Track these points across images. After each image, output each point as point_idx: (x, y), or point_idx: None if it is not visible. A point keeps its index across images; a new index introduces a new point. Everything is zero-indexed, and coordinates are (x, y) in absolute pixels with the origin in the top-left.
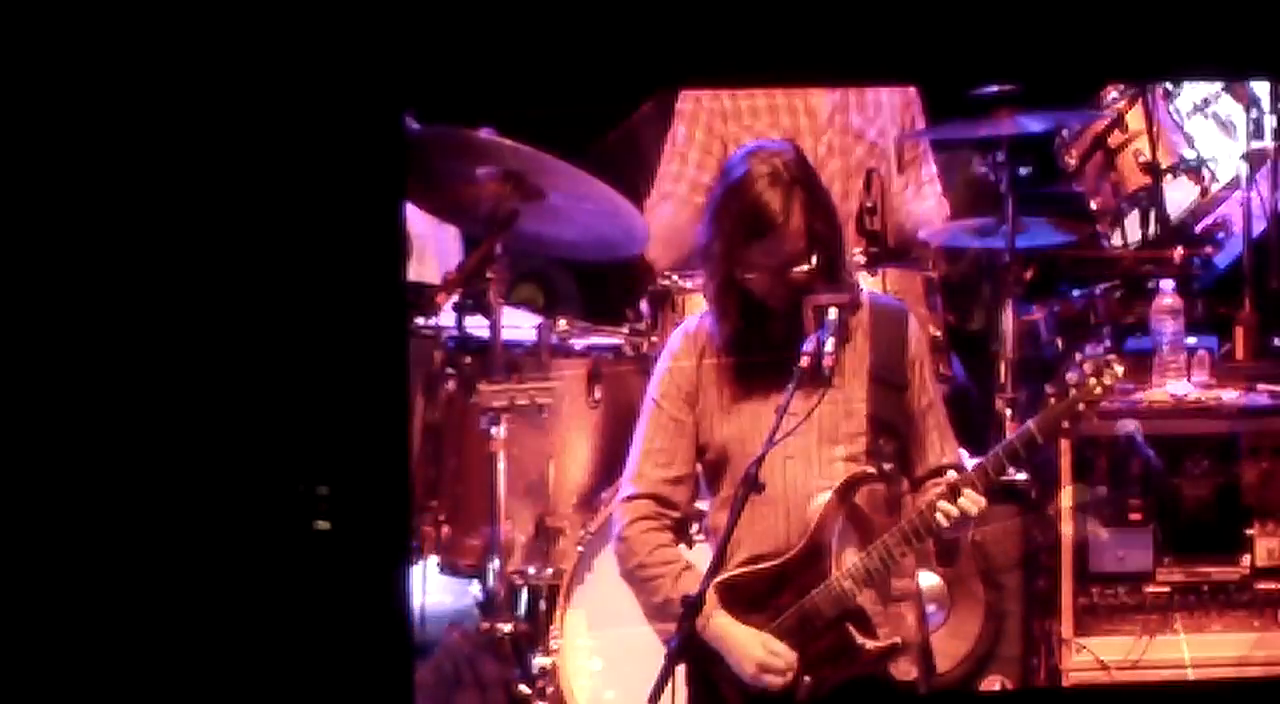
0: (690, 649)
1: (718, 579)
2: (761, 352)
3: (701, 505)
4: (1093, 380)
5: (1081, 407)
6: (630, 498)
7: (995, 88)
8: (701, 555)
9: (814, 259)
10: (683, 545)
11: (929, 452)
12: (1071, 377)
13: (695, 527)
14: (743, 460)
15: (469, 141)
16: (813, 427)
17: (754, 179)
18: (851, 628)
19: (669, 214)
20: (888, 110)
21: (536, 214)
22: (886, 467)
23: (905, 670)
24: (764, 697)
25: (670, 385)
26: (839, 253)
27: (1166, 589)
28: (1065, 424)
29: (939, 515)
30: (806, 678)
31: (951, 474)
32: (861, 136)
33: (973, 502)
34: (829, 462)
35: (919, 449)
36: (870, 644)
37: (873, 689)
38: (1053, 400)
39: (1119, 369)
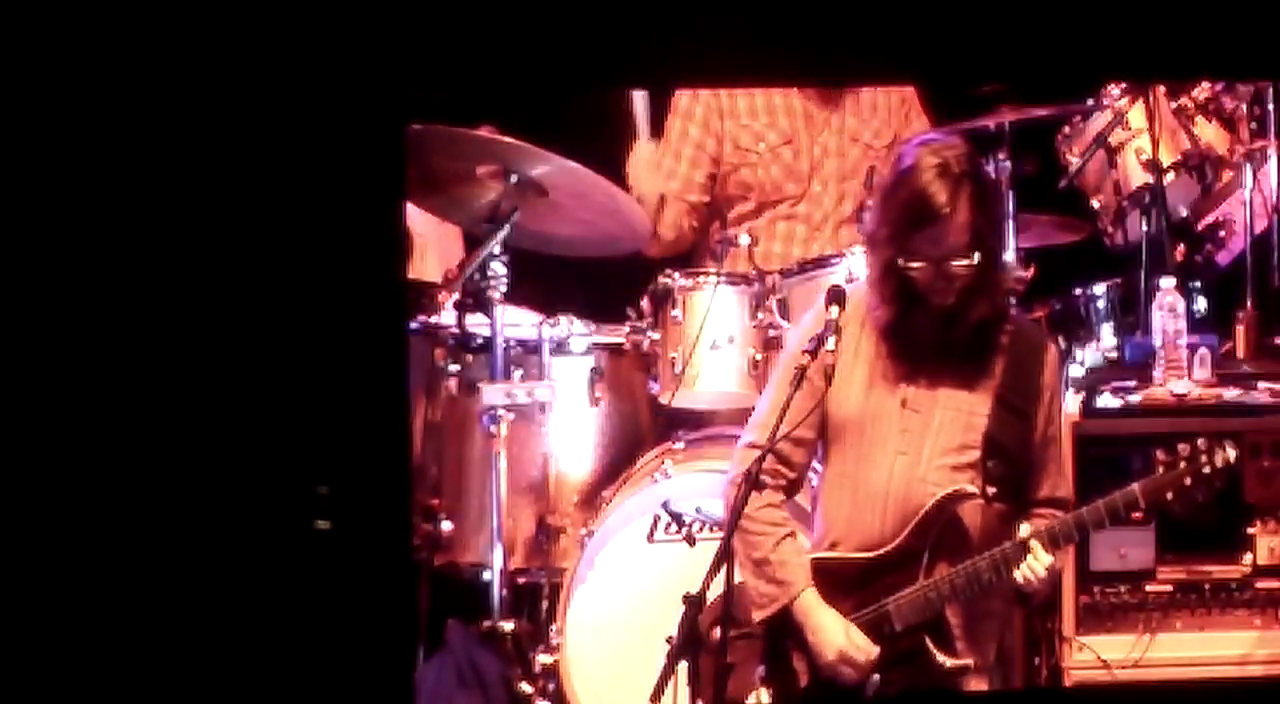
0: (779, 623)
1: (812, 556)
2: (904, 341)
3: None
4: (1204, 458)
5: (1188, 481)
6: (751, 445)
7: (995, 87)
8: (703, 554)
9: (975, 256)
10: (684, 544)
11: (1045, 482)
12: (1184, 448)
13: (698, 524)
14: (856, 445)
15: (469, 140)
16: (929, 428)
17: (924, 169)
18: (929, 640)
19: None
20: (883, 112)
21: (537, 211)
22: (991, 490)
23: (976, 685)
24: (830, 682)
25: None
26: (999, 254)
27: (1168, 587)
28: (1169, 496)
29: (1018, 576)
30: (875, 676)
31: (1025, 528)
32: (857, 139)
33: (1042, 564)
34: (937, 467)
35: (1035, 477)
36: (945, 660)
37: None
38: (1163, 468)
39: (1232, 453)
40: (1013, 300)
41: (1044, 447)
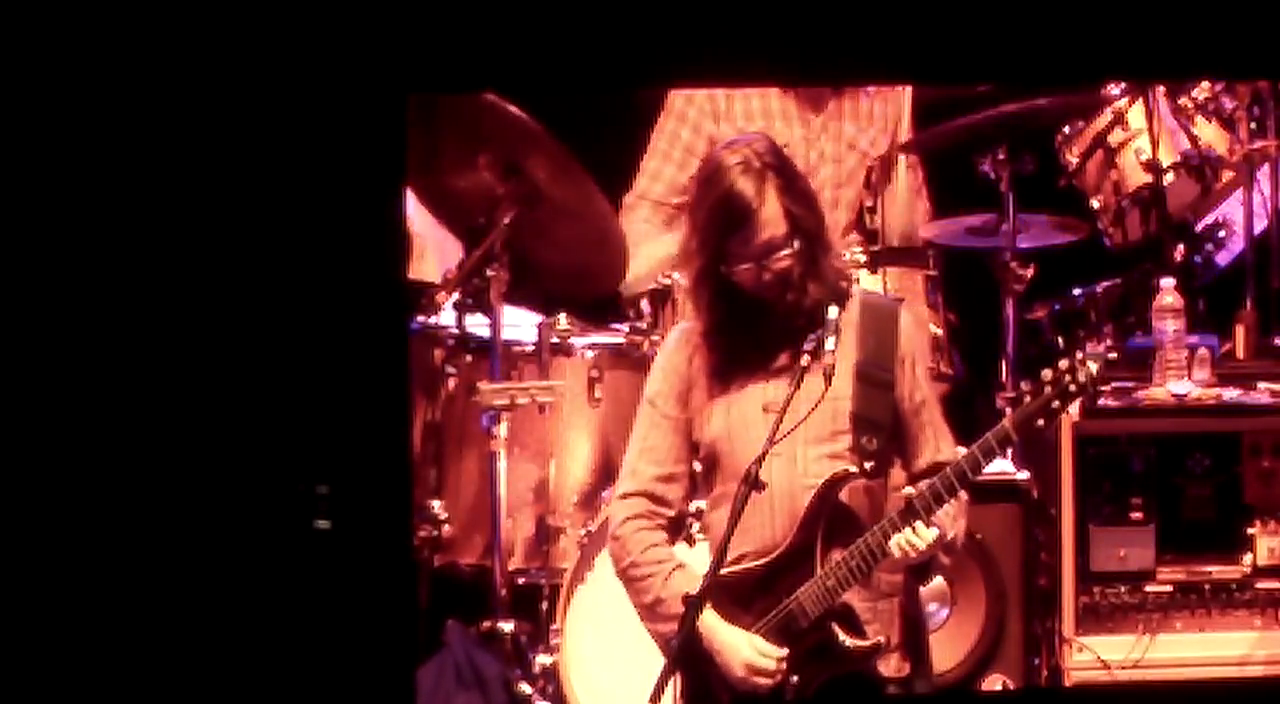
0: (689, 648)
1: (714, 577)
2: (744, 347)
3: (701, 503)
4: (1067, 377)
5: (1055, 404)
6: (624, 495)
7: (992, 87)
8: (702, 554)
9: (795, 244)
10: (683, 544)
11: (923, 448)
12: (1047, 374)
13: (696, 525)
14: (731, 458)
15: (475, 104)
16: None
17: (726, 170)
18: (836, 627)
19: (639, 220)
20: (880, 121)
21: (526, 228)
22: (868, 465)
23: (898, 667)
24: (753, 696)
25: (663, 383)
26: (821, 240)
27: (1168, 588)
28: (1040, 422)
29: (893, 546)
30: (794, 677)
31: (910, 490)
32: (854, 146)
33: (920, 536)
34: (814, 459)
35: (912, 446)
36: (854, 643)
37: (865, 688)
38: (1028, 397)
39: (1094, 366)
40: (853, 275)
41: (915, 414)
